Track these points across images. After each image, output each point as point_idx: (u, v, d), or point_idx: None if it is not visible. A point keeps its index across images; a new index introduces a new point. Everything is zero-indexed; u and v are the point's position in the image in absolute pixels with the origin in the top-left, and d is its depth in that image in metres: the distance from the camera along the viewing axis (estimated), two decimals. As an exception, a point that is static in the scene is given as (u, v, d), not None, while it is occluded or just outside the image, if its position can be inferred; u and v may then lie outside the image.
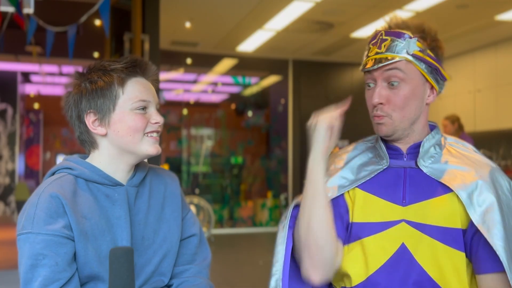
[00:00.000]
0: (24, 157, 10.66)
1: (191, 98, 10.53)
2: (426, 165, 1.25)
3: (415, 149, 1.28)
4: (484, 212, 1.15)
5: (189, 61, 8.45)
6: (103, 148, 1.27)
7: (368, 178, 1.28)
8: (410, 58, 1.20)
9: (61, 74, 9.28)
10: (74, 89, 1.26)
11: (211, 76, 9.52)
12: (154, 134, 1.27)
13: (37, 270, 1.13)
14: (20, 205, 8.56)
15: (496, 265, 1.14)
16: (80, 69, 1.28)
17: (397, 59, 1.20)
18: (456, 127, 5.72)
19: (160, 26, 5.42)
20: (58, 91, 10.91)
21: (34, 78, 9.90)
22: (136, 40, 4.92)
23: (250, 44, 7.58)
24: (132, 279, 0.99)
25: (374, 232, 1.24)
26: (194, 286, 1.33)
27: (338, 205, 1.30)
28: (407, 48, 1.21)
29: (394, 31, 1.23)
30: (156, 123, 1.26)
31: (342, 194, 1.31)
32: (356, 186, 1.29)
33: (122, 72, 1.24)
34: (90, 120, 1.24)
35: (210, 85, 10.09)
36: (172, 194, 1.38)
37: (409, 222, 1.21)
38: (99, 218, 1.21)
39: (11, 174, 9.07)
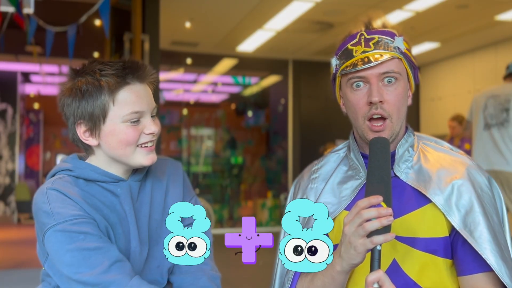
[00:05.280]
0: (24, 157, 10.66)
1: (191, 98, 10.52)
2: (402, 170, 1.19)
3: (391, 156, 1.20)
4: (465, 215, 1.11)
5: (189, 61, 8.45)
6: (98, 154, 1.23)
7: (352, 197, 1.20)
8: (401, 56, 1.16)
9: (61, 74, 9.28)
10: (66, 91, 1.19)
11: (211, 76, 9.51)
12: (149, 144, 1.20)
13: (85, 251, 1.09)
14: (20, 205, 8.55)
15: (478, 266, 1.10)
16: (75, 66, 1.22)
17: (391, 56, 1.14)
18: (464, 128, 5.67)
19: (160, 26, 5.42)
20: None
21: (34, 78, 9.90)
22: (136, 40, 4.92)
23: (250, 44, 7.58)
24: (388, 167, 1.02)
25: None
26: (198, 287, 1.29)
27: None
28: (398, 45, 1.16)
29: (380, 30, 1.18)
30: (150, 133, 1.19)
31: None
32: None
33: (112, 79, 1.15)
34: (81, 130, 1.19)
35: (210, 85, 10.09)
36: (174, 182, 1.33)
37: (398, 238, 1.16)
38: (110, 214, 1.19)
39: (11, 174, 9.07)
